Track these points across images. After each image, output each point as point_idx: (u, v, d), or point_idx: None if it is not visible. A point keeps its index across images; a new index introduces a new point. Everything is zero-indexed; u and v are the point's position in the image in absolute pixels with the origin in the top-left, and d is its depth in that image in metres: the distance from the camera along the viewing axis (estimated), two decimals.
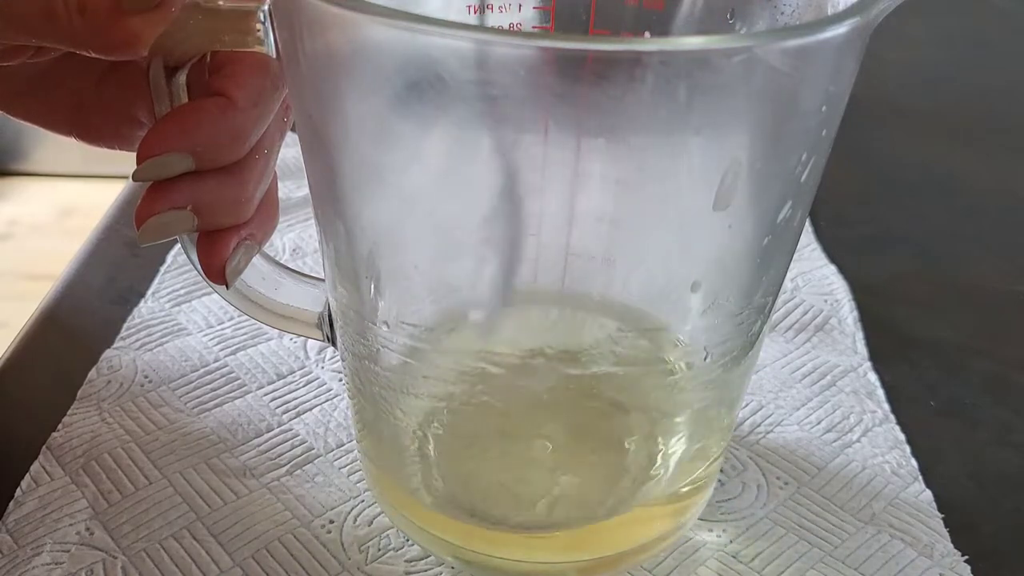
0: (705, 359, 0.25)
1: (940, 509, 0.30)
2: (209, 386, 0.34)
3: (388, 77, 0.20)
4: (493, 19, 0.27)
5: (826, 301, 0.40)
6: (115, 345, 0.36)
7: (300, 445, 0.32)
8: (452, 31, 0.18)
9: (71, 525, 0.29)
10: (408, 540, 0.29)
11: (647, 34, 0.24)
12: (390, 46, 0.20)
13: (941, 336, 0.39)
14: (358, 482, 0.30)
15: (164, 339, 0.36)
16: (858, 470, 0.32)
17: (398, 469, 0.28)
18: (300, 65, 0.22)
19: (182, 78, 0.25)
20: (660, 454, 0.26)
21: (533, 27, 0.27)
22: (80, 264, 0.41)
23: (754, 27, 0.25)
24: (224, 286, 0.27)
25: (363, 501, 0.30)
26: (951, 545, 0.29)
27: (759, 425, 0.33)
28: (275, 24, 0.24)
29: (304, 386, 0.34)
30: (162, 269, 0.40)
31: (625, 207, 0.22)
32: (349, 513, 0.29)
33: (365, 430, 0.28)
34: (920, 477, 0.31)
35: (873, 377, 0.36)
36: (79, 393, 0.34)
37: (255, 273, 0.28)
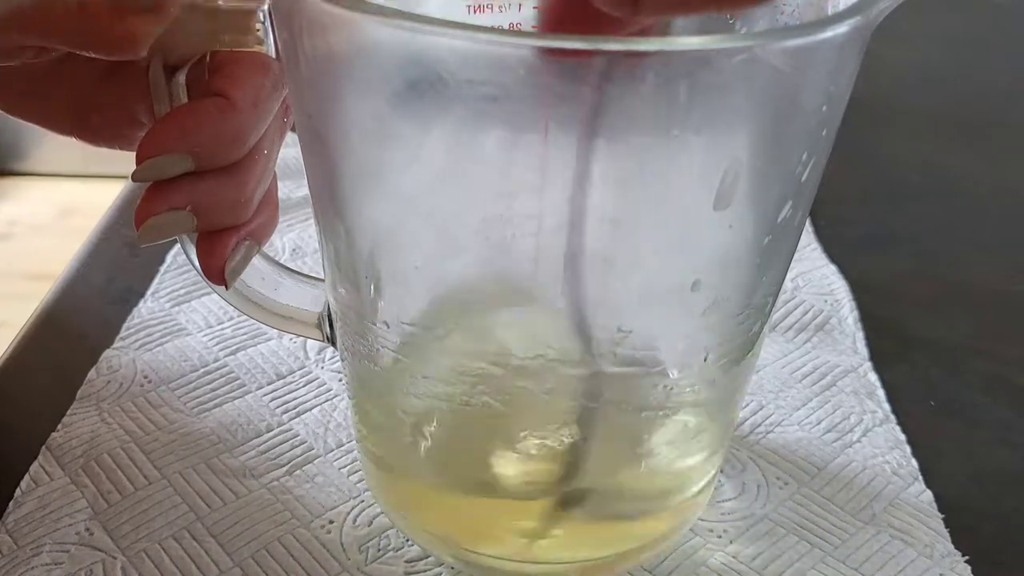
0: (705, 359, 0.24)
1: (940, 509, 0.30)
2: (209, 386, 0.34)
3: (388, 77, 0.20)
4: (493, 19, 0.27)
5: (826, 301, 0.40)
6: (115, 345, 0.36)
7: (300, 445, 0.32)
8: (452, 31, 0.18)
9: (71, 525, 0.29)
10: (408, 540, 0.28)
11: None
12: (390, 46, 0.20)
13: (941, 336, 0.39)
14: (358, 482, 0.30)
15: (164, 339, 0.36)
16: (858, 470, 0.32)
17: (398, 469, 0.28)
18: (300, 65, 0.22)
19: (182, 78, 0.25)
20: (660, 454, 0.26)
21: (533, 27, 0.27)
22: (80, 264, 0.41)
23: (754, 27, 0.25)
24: (224, 286, 0.27)
25: (363, 501, 0.30)
26: (951, 545, 0.29)
27: (759, 425, 0.33)
28: (275, 24, 0.24)
29: (304, 386, 0.34)
30: (162, 269, 0.40)
31: (625, 207, 0.22)
32: (349, 513, 0.29)
33: (365, 430, 0.28)
34: (920, 477, 0.31)
35: (873, 377, 0.36)
36: (79, 393, 0.33)
37: (255, 273, 0.28)
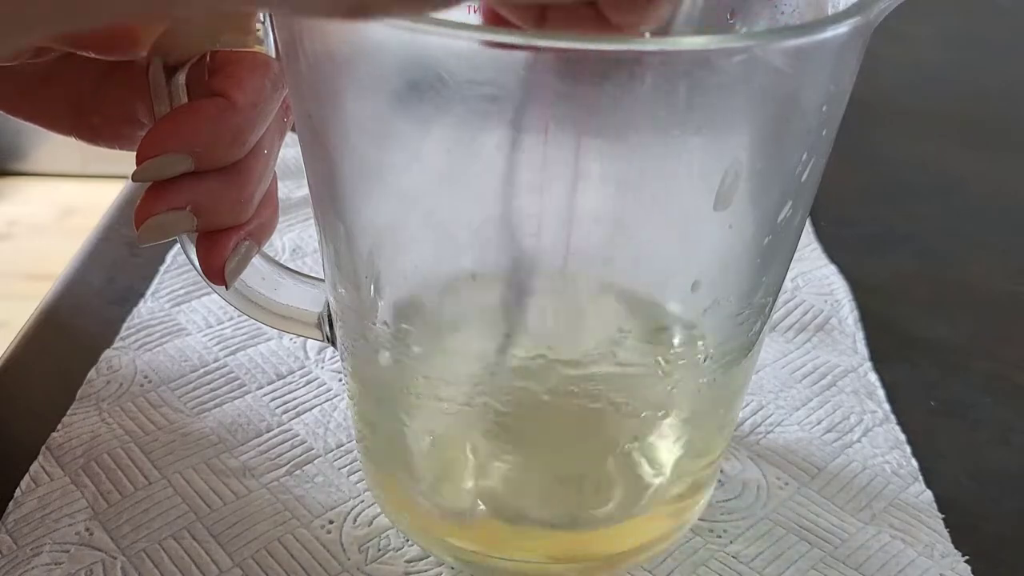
0: (705, 359, 0.24)
1: (940, 509, 0.30)
2: (209, 386, 0.34)
3: (388, 77, 0.20)
4: None
5: (826, 301, 0.40)
6: (115, 345, 0.36)
7: (300, 445, 0.32)
8: (452, 31, 0.18)
9: (71, 525, 0.29)
10: (408, 540, 0.28)
11: (647, 34, 0.24)
12: (390, 46, 0.20)
13: (941, 336, 0.39)
14: (358, 482, 0.30)
15: (164, 339, 0.36)
16: (858, 470, 0.32)
17: (398, 469, 0.28)
18: (300, 65, 0.22)
19: (182, 78, 0.25)
20: (661, 454, 0.26)
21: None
22: (80, 264, 0.41)
23: (754, 27, 0.25)
24: (224, 286, 0.27)
25: (363, 501, 0.30)
26: (951, 545, 0.29)
27: (759, 425, 0.33)
28: (275, 24, 0.24)
29: (304, 386, 0.34)
30: (162, 269, 0.40)
31: (625, 207, 0.22)
32: (349, 513, 0.29)
33: (365, 430, 0.28)
34: (920, 477, 0.31)
35: (873, 377, 0.36)
36: (79, 393, 0.33)
37: (255, 273, 0.28)
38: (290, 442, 0.32)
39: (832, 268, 0.42)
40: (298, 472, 0.31)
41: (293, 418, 0.33)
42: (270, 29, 0.26)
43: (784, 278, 0.26)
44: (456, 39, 0.18)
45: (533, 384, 0.24)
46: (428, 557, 0.28)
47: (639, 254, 0.23)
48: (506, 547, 0.27)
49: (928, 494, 0.31)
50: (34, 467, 0.30)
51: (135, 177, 0.25)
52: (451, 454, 0.27)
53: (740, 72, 0.19)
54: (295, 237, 0.43)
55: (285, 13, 0.22)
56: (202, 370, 0.35)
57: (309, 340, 0.36)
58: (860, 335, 0.38)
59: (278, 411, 0.33)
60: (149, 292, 0.39)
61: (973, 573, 0.28)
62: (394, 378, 0.26)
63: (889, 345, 0.37)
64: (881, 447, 0.33)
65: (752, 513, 0.30)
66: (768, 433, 0.33)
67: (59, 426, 0.32)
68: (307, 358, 0.36)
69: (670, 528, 0.28)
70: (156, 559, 0.28)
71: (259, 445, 0.32)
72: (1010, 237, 0.46)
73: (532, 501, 0.27)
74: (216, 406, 0.33)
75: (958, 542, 0.29)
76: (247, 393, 0.34)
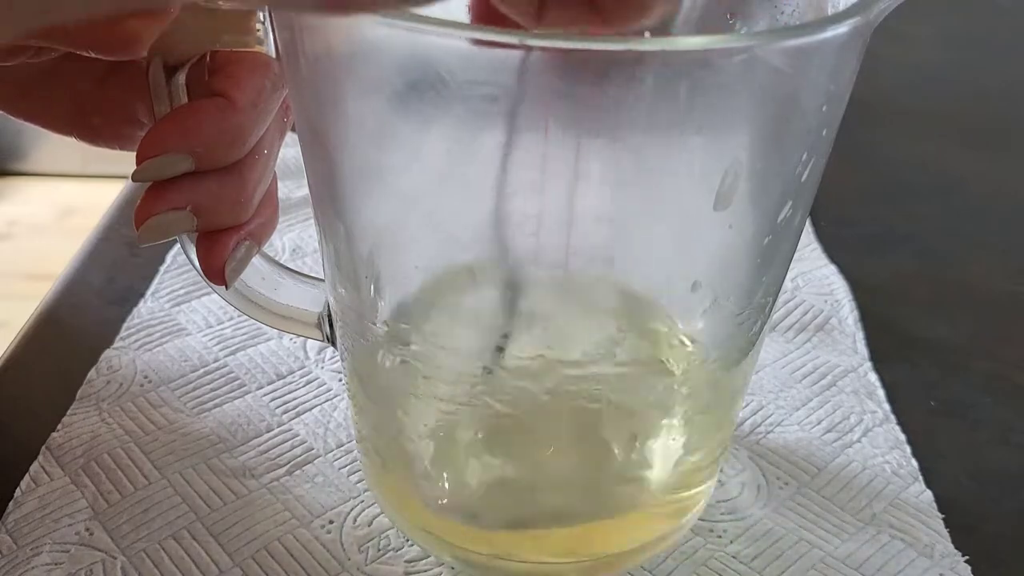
0: (705, 359, 0.25)
1: (940, 509, 0.30)
2: (209, 386, 0.34)
3: (388, 77, 0.20)
4: None
5: (826, 301, 0.40)
6: (115, 345, 0.36)
7: (300, 445, 0.32)
8: (452, 31, 0.18)
9: (71, 525, 0.29)
10: (408, 540, 0.29)
11: (647, 34, 0.24)
12: (390, 46, 0.20)
13: (941, 336, 0.39)
14: (358, 482, 0.30)
15: (164, 339, 0.36)
16: (858, 470, 0.32)
17: (398, 469, 0.28)
18: (300, 65, 0.22)
19: (182, 78, 0.25)
20: (660, 454, 0.26)
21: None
22: (80, 264, 0.41)
23: (754, 27, 0.25)
24: (224, 286, 0.27)
25: (363, 501, 0.30)
26: (951, 545, 0.29)
27: (759, 425, 0.33)
28: (275, 24, 0.24)
29: (304, 386, 0.34)
30: (162, 269, 0.40)
31: (625, 207, 0.22)
32: (349, 513, 0.29)
33: (365, 430, 0.28)
34: (920, 477, 0.31)
35: (873, 377, 0.36)
36: (79, 393, 0.33)
37: (255, 273, 0.28)
38: (290, 442, 0.32)
39: (832, 268, 0.42)
40: (298, 472, 0.31)
41: (293, 418, 0.33)
42: (270, 29, 0.26)
43: (784, 278, 0.26)
44: (456, 39, 0.18)
45: (533, 384, 0.24)
46: (428, 557, 0.28)
47: (639, 254, 0.23)
48: (506, 547, 0.27)
49: (928, 494, 0.31)
50: (34, 467, 0.31)
51: (135, 177, 0.25)
52: (451, 454, 0.27)
53: (740, 72, 0.19)
54: (295, 237, 0.43)
55: (276, 7, 0.22)
56: (202, 370, 0.35)
57: (309, 340, 0.36)
58: (860, 335, 0.38)
59: (278, 411, 0.33)
60: (149, 292, 0.39)
61: (973, 573, 0.28)
62: (394, 378, 0.26)
63: (889, 345, 0.37)
64: (881, 447, 0.33)
65: (752, 513, 0.30)
66: (768, 433, 0.33)
67: (59, 426, 0.32)
68: (307, 358, 0.36)
69: (670, 528, 0.28)
70: (156, 559, 0.28)
71: (259, 445, 0.32)
72: (1010, 237, 0.46)
73: (532, 501, 0.27)
74: (216, 406, 0.33)
75: (958, 542, 0.29)
76: (247, 393, 0.34)
